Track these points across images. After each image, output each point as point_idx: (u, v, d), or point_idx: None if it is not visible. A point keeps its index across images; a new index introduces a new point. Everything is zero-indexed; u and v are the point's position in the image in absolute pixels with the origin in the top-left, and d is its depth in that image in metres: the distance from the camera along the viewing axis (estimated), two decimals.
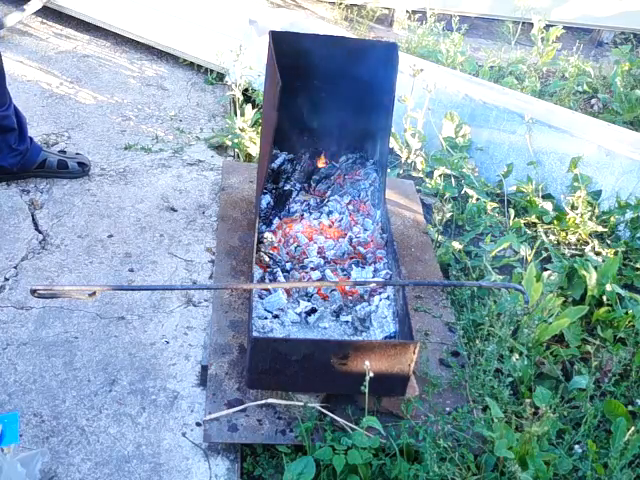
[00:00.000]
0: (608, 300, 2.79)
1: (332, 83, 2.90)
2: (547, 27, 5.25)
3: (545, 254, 3.09)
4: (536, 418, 1.93)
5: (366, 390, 1.93)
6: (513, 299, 2.45)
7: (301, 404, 2.12)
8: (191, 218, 3.14)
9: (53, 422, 2.11)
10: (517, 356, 2.25)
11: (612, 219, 3.31)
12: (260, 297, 2.46)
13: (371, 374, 1.91)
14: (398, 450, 2.00)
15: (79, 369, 2.29)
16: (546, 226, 3.32)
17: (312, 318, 2.40)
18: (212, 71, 4.54)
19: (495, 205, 3.39)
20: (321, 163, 3.11)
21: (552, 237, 3.25)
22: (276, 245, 2.71)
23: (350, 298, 2.53)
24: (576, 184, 3.39)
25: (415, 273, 2.84)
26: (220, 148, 3.76)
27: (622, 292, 2.79)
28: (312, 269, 2.61)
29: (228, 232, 2.90)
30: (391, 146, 3.67)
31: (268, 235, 2.73)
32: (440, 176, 3.56)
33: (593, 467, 2.00)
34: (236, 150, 3.67)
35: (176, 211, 3.17)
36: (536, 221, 3.36)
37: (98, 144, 3.62)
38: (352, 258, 2.70)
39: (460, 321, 2.57)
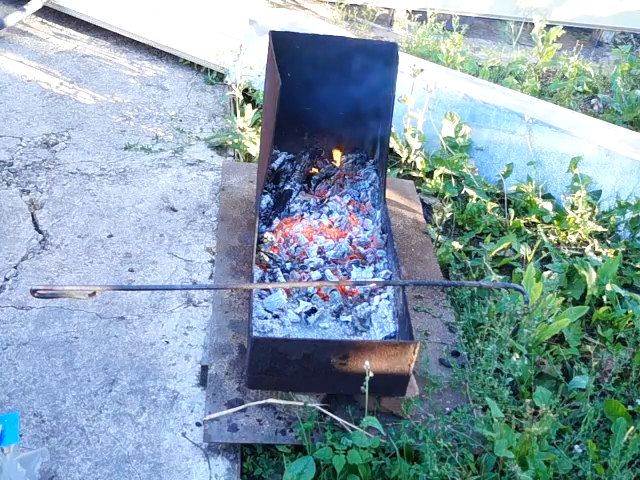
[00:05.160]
0: (608, 300, 2.79)
1: (332, 83, 2.90)
2: (547, 27, 5.25)
3: (545, 254, 3.09)
4: (536, 418, 1.93)
5: (366, 390, 1.93)
6: (513, 299, 2.45)
7: (301, 404, 2.12)
8: (191, 218, 3.14)
9: (53, 422, 2.11)
10: (517, 356, 2.25)
11: (612, 219, 3.31)
12: (260, 297, 2.46)
13: (371, 374, 1.91)
14: (398, 450, 2.00)
15: (79, 369, 2.29)
16: (546, 226, 3.31)
17: (312, 318, 2.40)
18: (212, 71, 4.54)
19: (495, 205, 3.39)
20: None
21: (552, 237, 3.25)
22: (276, 245, 2.71)
23: (350, 298, 2.53)
24: (576, 184, 3.39)
25: (415, 273, 2.84)
26: (220, 148, 3.76)
27: (622, 292, 2.79)
28: (312, 269, 2.61)
29: (228, 232, 2.90)
30: (391, 146, 3.67)
31: (268, 235, 2.73)
32: (440, 176, 3.56)
33: (593, 467, 2.00)
34: (236, 150, 3.67)
35: (176, 211, 3.17)
36: (536, 221, 3.36)
37: (98, 144, 3.62)
38: (352, 258, 2.70)
39: (460, 321, 2.57)
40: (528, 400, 1.98)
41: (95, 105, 4.00)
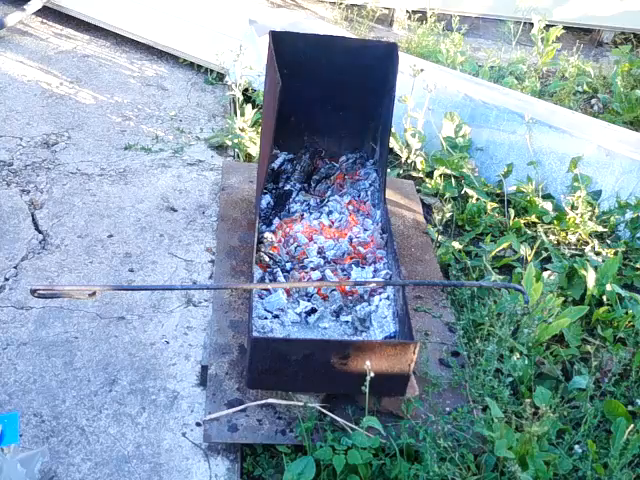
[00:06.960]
0: (608, 300, 2.79)
1: (332, 83, 2.90)
2: (547, 27, 5.25)
3: (545, 254, 3.09)
4: (536, 418, 1.93)
5: (366, 390, 1.93)
6: (513, 299, 2.45)
7: (301, 404, 2.12)
8: (191, 218, 3.14)
9: (53, 422, 2.11)
10: (517, 356, 2.25)
11: (612, 219, 3.31)
12: (260, 297, 2.46)
13: (371, 374, 1.91)
14: (398, 450, 2.00)
15: (79, 369, 2.29)
16: (546, 226, 3.31)
17: (312, 318, 2.40)
18: (212, 71, 4.54)
19: (495, 205, 3.38)
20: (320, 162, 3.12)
21: (552, 237, 3.25)
22: (276, 245, 2.71)
23: (350, 298, 2.53)
24: (576, 184, 3.39)
25: (415, 273, 2.84)
26: (220, 148, 3.76)
27: (622, 292, 2.79)
28: (312, 269, 2.61)
29: (228, 232, 2.90)
30: (391, 146, 3.67)
31: (268, 235, 2.73)
32: (440, 176, 3.55)
33: (593, 467, 2.00)
34: (236, 150, 3.67)
35: (176, 211, 3.17)
36: (536, 221, 3.36)
37: (98, 144, 3.62)
38: (352, 258, 2.70)
39: (460, 321, 2.57)
40: (528, 400, 1.98)
41: (95, 105, 4.00)
